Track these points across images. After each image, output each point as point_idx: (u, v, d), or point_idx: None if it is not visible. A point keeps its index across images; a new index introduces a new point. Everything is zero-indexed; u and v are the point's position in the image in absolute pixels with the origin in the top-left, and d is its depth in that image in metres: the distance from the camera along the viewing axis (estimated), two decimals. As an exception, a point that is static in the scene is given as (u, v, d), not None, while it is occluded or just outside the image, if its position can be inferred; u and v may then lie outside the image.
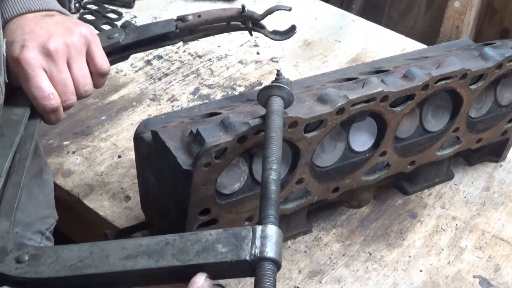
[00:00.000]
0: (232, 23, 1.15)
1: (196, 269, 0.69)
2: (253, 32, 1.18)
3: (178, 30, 1.11)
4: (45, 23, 0.93)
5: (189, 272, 0.69)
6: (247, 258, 0.67)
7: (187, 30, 1.12)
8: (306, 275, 1.07)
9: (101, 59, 0.97)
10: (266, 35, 1.17)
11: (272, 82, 0.96)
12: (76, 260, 0.69)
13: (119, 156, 1.25)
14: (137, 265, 0.69)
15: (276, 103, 0.87)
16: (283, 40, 1.19)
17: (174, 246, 0.70)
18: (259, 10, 1.75)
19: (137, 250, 0.70)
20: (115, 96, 1.42)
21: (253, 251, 0.67)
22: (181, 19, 1.11)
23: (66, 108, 0.93)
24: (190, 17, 1.11)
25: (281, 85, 0.88)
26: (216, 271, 0.69)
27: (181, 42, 1.15)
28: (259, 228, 0.69)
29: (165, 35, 1.11)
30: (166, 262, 0.69)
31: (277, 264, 0.67)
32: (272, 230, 0.69)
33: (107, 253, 0.70)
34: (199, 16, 1.12)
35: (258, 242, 0.68)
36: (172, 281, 0.71)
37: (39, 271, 0.69)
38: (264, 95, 0.88)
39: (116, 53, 1.08)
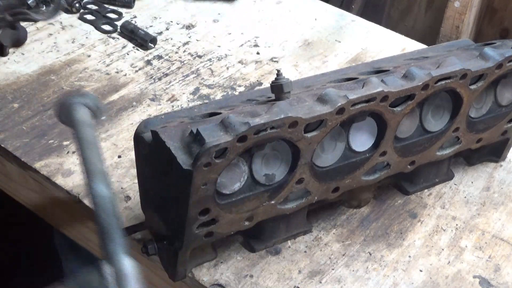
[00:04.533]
0: None
1: None
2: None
3: None
4: None
5: None
6: None
7: None
8: (306, 275, 1.07)
9: None
10: (34, 19, 1.03)
11: (272, 82, 0.96)
12: None
13: (119, 156, 1.25)
14: None
15: (81, 113, 0.75)
16: (50, 19, 1.04)
17: None
18: (258, 10, 1.76)
19: None
20: (115, 96, 1.42)
21: None
22: None
23: None
24: None
25: (80, 92, 0.77)
26: None
27: None
28: (108, 269, 0.54)
29: None
30: None
31: None
32: (125, 266, 0.54)
33: None
34: None
35: None
36: None
37: None
38: (64, 110, 0.76)
39: None
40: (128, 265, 0.52)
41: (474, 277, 1.09)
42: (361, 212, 1.19)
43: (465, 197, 1.24)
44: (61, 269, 1.95)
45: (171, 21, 1.68)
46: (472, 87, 1.09)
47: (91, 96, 0.76)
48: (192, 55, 1.57)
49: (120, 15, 1.68)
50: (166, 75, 1.50)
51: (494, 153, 1.30)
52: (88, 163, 0.68)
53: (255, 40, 1.64)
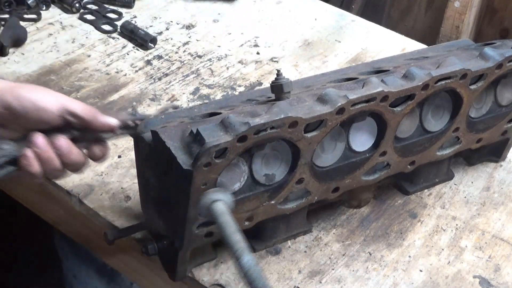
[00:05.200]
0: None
1: None
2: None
3: None
4: None
5: None
6: None
7: None
8: (306, 275, 1.07)
9: None
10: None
11: (272, 82, 0.96)
12: None
13: (119, 156, 1.25)
14: None
15: (220, 207, 0.86)
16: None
17: None
18: (258, 10, 1.76)
19: None
20: (115, 96, 1.42)
21: None
22: None
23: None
24: None
25: (220, 189, 0.88)
26: None
27: None
28: None
29: None
30: None
31: None
32: None
33: None
34: None
35: None
36: None
37: None
38: (205, 204, 0.87)
39: None
40: None
41: (474, 277, 1.09)
42: (361, 212, 1.19)
43: (465, 197, 1.24)
44: (61, 269, 1.95)
45: (171, 21, 1.68)
46: (472, 87, 1.09)
47: (227, 194, 0.88)
48: (192, 55, 1.57)
49: (120, 15, 1.68)
50: (166, 75, 1.50)
51: (494, 153, 1.30)
52: (232, 240, 0.81)
53: (255, 40, 1.64)
